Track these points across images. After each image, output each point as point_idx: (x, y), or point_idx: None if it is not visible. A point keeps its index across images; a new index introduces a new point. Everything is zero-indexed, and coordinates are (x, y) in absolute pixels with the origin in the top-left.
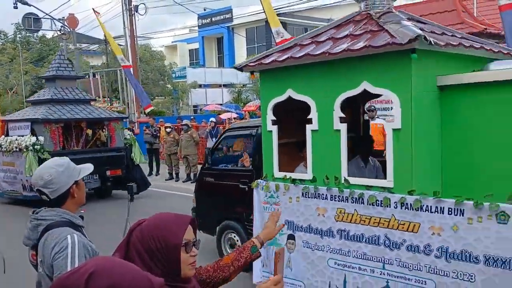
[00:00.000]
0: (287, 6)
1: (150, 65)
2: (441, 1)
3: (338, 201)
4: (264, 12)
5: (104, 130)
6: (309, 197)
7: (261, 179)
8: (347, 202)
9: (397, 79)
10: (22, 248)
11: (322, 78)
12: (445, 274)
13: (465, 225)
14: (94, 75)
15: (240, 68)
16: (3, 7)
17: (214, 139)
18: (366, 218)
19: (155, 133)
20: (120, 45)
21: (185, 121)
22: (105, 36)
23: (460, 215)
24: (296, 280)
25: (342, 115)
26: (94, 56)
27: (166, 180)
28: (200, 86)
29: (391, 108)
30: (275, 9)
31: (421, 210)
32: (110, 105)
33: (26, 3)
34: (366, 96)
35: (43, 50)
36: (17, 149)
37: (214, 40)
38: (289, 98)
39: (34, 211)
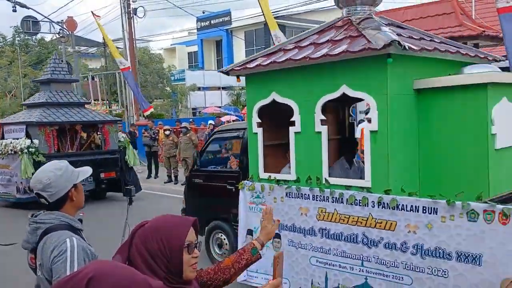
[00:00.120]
0: (285, 9)
1: (149, 68)
2: (440, 3)
3: (319, 200)
4: (263, 15)
5: (98, 133)
6: (292, 197)
7: (247, 180)
8: (328, 201)
9: (374, 83)
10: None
11: (304, 82)
12: (421, 270)
13: (439, 223)
14: (93, 78)
15: (227, 72)
16: (1, 10)
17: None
18: (345, 217)
19: (153, 136)
20: (119, 47)
21: (184, 124)
22: (103, 39)
23: (434, 213)
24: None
25: (323, 117)
26: (92, 59)
27: (165, 183)
28: (199, 88)
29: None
30: (273, 12)
31: (397, 209)
32: (109, 107)
33: (25, 6)
34: (354, 99)
35: (41, 53)
36: (12, 152)
37: (213, 43)
38: (273, 101)
39: (33, 214)
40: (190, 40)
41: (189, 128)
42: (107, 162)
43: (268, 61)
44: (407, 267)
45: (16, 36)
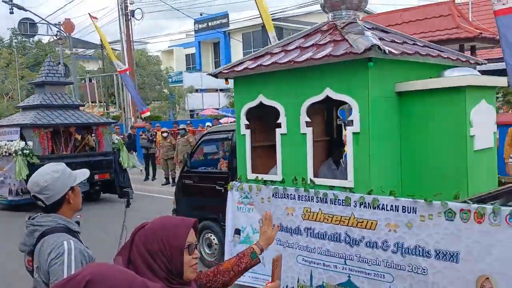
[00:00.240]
0: (282, 11)
1: (147, 69)
2: (437, 6)
3: (305, 200)
4: (261, 16)
5: (92, 135)
6: (279, 197)
7: (236, 181)
8: (313, 201)
9: (356, 86)
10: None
11: (289, 85)
12: (401, 268)
13: (418, 222)
14: (90, 80)
15: (215, 75)
16: None
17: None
18: (329, 216)
19: (151, 137)
20: (117, 50)
21: (181, 126)
22: (101, 41)
23: (413, 213)
24: (269, 276)
25: (308, 119)
26: (90, 61)
27: (162, 185)
28: (196, 90)
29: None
30: (270, 14)
31: (378, 209)
32: (106, 109)
33: (22, 8)
34: (342, 101)
35: (39, 55)
36: (7, 154)
37: (211, 45)
38: (261, 103)
39: (30, 217)
40: (188, 42)
41: (187, 130)
42: (101, 164)
43: (255, 65)
44: (388, 265)
45: (13, 38)
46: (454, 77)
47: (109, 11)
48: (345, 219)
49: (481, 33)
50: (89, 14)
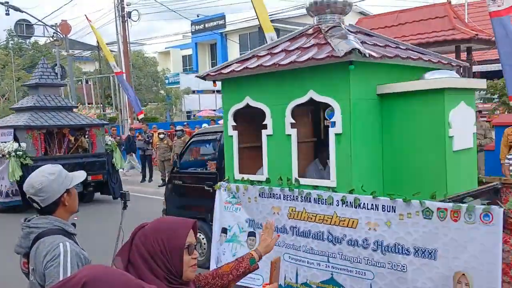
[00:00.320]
0: (278, 13)
1: (143, 71)
2: (433, 7)
3: (290, 200)
4: (257, 18)
5: (86, 136)
6: (265, 197)
7: (223, 181)
8: (297, 201)
9: (338, 88)
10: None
11: (275, 87)
12: (382, 266)
13: (397, 221)
14: (87, 82)
15: (203, 77)
16: None
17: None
18: (312, 215)
19: (147, 139)
20: (113, 51)
21: (179, 127)
22: (98, 42)
23: (392, 211)
24: (256, 274)
25: (293, 121)
26: (87, 62)
27: (159, 186)
28: (193, 92)
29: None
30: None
31: (359, 208)
32: (103, 111)
33: (19, 10)
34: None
35: (35, 56)
36: (0, 155)
37: (208, 46)
38: (247, 105)
39: (26, 219)
40: (185, 43)
41: (184, 131)
42: (94, 165)
43: (241, 67)
44: (369, 262)
45: (9, 39)
46: (433, 79)
47: (107, 12)
48: (328, 218)
49: (477, 35)
50: (85, 15)
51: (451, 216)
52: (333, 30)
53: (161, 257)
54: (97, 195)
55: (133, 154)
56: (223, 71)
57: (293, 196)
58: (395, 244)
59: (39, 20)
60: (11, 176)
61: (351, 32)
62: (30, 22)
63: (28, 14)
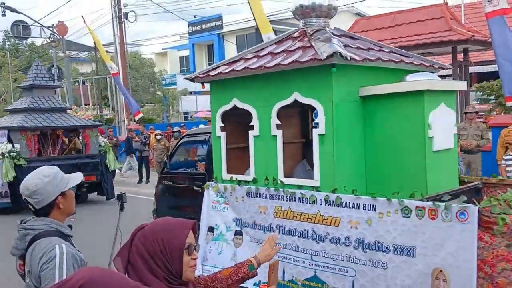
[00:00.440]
0: (275, 14)
1: (140, 72)
2: (430, 8)
3: (276, 199)
4: (254, 19)
5: (79, 137)
6: (252, 197)
7: (211, 181)
8: (283, 200)
9: (321, 90)
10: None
11: (261, 89)
12: (363, 263)
13: (377, 219)
14: (83, 83)
15: (192, 79)
16: None
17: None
18: (297, 214)
19: (144, 140)
20: (110, 52)
21: (176, 128)
22: (94, 43)
23: (372, 210)
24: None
25: (278, 122)
26: (83, 63)
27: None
28: (190, 93)
29: None
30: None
31: (341, 206)
32: (100, 112)
33: (15, 11)
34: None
35: (32, 57)
36: None
37: (205, 47)
38: (235, 106)
39: (22, 221)
40: (182, 44)
41: (181, 133)
42: (87, 166)
43: (229, 69)
44: (351, 260)
45: (6, 40)
46: (413, 81)
47: (104, 13)
48: (312, 216)
49: (473, 36)
50: (82, 16)
51: (429, 214)
52: (317, 33)
53: (161, 258)
54: (91, 196)
55: (133, 155)
56: (211, 73)
57: (279, 195)
58: (375, 242)
59: (35, 21)
60: (4, 177)
61: (335, 35)
62: (26, 23)
63: (24, 15)
